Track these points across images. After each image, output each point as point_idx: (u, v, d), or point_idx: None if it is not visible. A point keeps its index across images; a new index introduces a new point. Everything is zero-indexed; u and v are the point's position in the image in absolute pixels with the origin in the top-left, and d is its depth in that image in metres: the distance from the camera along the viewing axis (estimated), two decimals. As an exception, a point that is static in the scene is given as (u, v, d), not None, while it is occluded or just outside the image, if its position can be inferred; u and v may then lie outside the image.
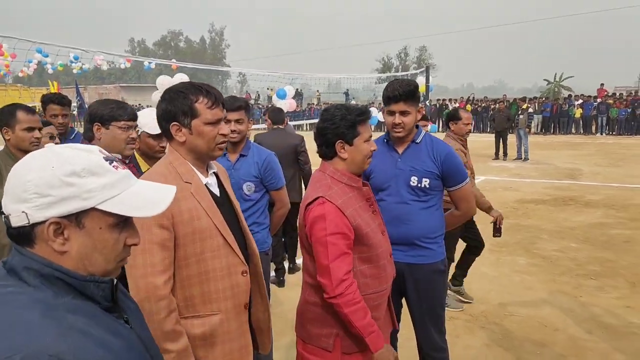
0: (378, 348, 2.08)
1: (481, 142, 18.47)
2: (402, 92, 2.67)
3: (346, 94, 39.35)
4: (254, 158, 3.28)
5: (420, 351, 2.95)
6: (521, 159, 15.04)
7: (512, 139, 15.94)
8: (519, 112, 15.44)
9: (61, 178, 0.99)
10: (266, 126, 5.98)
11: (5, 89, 41.90)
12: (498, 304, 4.75)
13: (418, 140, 2.79)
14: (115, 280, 1.12)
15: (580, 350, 3.87)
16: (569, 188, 10.60)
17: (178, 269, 1.82)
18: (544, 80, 56.83)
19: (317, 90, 43.18)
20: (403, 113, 2.68)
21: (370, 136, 2.21)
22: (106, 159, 1.06)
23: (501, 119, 15.28)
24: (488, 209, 4.33)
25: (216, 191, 1.96)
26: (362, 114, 2.18)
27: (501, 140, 15.35)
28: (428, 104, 13.98)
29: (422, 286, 2.81)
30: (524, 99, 19.90)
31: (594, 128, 24.02)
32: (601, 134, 23.34)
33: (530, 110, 16.57)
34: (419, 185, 2.72)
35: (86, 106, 11.92)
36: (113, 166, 1.06)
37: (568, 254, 6.21)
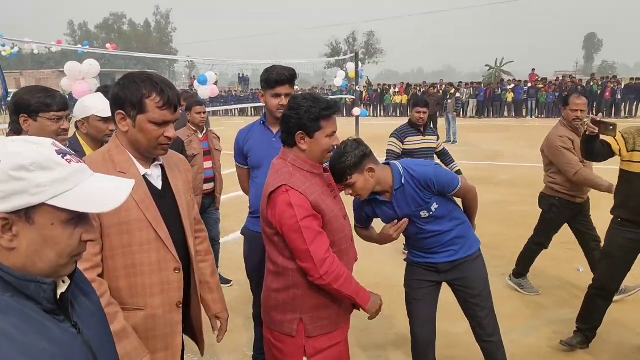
0: (368, 302, 2.18)
1: (416, 126, 19.09)
2: (288, 76, 2.91)
3: (292, 79, 39.40)
4: None
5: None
6: (450, 141, 15.70)
7: (442, 122, 16.61)
8: (448, 97, 16.05)
9: (8, 172, 0.94)
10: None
11: None
12: (388, 274, 5.16)
13: None
14: (69, 281, 1.09)
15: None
16: (485, 169, 11.24)
17: (104, 260, 1.78)
18: (486, 65, 58.56)
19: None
20: (288, 95, 2.90)
21: (334, 131, 2.20)
22: (59, 152, 1.01)
23: (431, 103, 15.83)
24: (609, 189, 4.01)
25: (157, 184, 1.89)
26: (328, 108, 2.15)
27: (432, 124, 15.92)
28: (358, 89, 14.30)
29: None
30: (451, 85, 20.64)
31: (525, 112, 25.18)
32: (531, 117, 24.53)
33: (458, 95, 17.20)
34: None
35: (9, 94, 11.44)
36: (66, 160, 1.01)
37: (465, 229, 6.70)
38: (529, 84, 25.58)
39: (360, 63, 13.26)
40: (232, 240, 6.31)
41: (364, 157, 2.44)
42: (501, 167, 11.49)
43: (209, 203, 4.94)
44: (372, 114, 29.53)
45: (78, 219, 1.04)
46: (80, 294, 1.16)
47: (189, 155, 4.74)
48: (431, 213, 2.64)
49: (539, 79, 27.04)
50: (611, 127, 3.24)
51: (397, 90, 28.67)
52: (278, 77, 2.89)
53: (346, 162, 2.38)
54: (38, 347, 0.95)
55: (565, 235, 6.34)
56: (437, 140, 5.67)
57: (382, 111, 29.41)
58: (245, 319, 4.10)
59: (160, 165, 1.91)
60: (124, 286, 1.79)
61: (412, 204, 2.62)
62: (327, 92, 28.31)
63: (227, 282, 5.14)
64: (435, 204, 2.64)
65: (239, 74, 41.05)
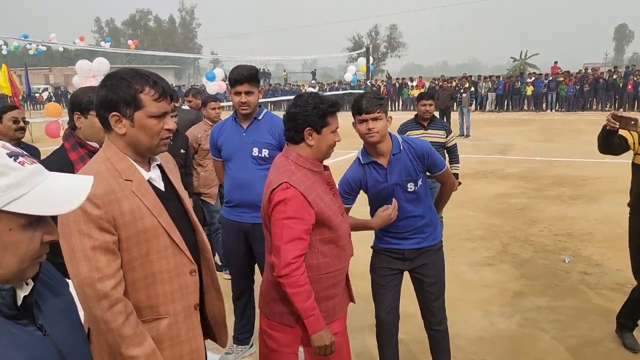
0: (316, 331, 2.17)
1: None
2: (246, 75, 3.14)
3: (313, 73, 39.66)
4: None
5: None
6: (463, 135, 15.70)
7: (456, 116, 16.62)
8: (462, 91, 16.04)
9: None
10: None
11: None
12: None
13: (260, 118, 3.28)
14: (32, 283, 1.06)
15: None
16: (493, 162, 11.28)
17: (123, 274, 1.70)
18: (511, 57, 57.69)
19: (284, 71, 43.35)
20: (247, 93, 3.15)
21: (337, 127, 2.30)
22: (10, 155, 0.97)
23: (445, 97, 15.89)
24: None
25: (161, 185, 1.82)
26: (333, 105, 2.26)
27: (445, 118, 15.96)
28: (368, 83, 14.42)
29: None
30: (466, 78, 20.55)
31: (544, 105, 24.87)
32: (550, 110, 24.21)
33: (473, 89, 17.15)
34: (260, 155, 3.23)
35: (32, 92, 11.77)
36: (19, 162, 0.97)
37: (462, 221, 6.84)
38: (549, 77, 25.20)
39: (371, 58, 13.36)
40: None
41: (387, 105, 2.76)
42: (510, 160, 11.51)
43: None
44: (390, 108, 29.53)
45: (37, 221, 1.00)
46: (48, 292, 1.13)
47: (205, 149, 4.92)
48: (415, 188, 2.80)
49: (561, 72, 26.64)
50: (632, 122, 3.20)
51: (415, 84, 28.61)
52: (237, 77, 3.12)
53: (382, 100, 2.75)
54: (6, 355, 0.93)
55: (556, 227, 6.47)
56: (447, 135, 5.51)
57: (401, 105, 29.39)
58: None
59: (158, 165, 1.86)
60: (143, 297, 1.72)
61: (403, 172, 2.77)
62: (346, 87, 28.33)
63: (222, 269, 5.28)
64: (420, 180, 2.81)
65: (260, 68, 41.42)
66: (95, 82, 6.53)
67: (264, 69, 41.34)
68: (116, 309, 1.59)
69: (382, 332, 3.08)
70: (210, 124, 5.04)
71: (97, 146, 2.36)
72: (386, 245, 2.99)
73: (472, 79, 25.38)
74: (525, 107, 25.11)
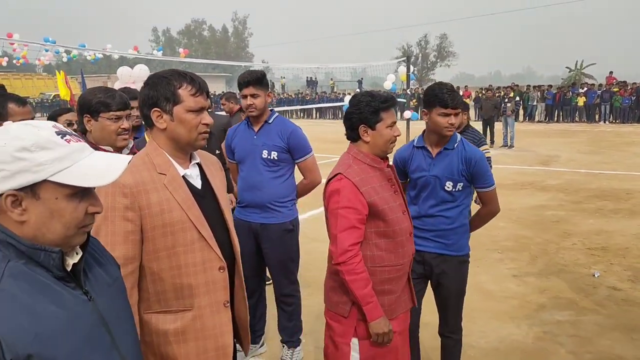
0: (374, 318, 2.22)
1: (475, 130, 18.83)
2: (250, 79, 3.27)
3: (359, 82, 39.73)
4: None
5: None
6: (507, 146, 15.35)
7: (499, 126, 16.28)
8: (506, 100, 15.71)
9: (12, 154, 1.05)
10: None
11: (31, 78, 43.68)
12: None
13: (270, 121, 3.39)
14: (81, 252, 1.19)
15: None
16: (534, 173, 10.99)
17: (148, 263, 1.77)
18: (566, 67, 55.83)
19: (331, 79, 43.63)
20: (253, 96, 3.27)
21: (394, 122, 2.33)
22: (58, 133, 1.11)
23: (488, 106, 15.60)
24: None
25: (197, 183, 1.88)
26: (386, 101, 2.30)
27: (488, 128, 15.67)
28: (409, 92, 14.34)
29: (275, 243, 3.43)
30: (511, 87, 20.07)
31: (597, 116, 23.95)
32: (604, 122, 23.29)
33: (518, 99, 16.78)
34: (269, 157, 3.33)
35: None
36: (65, 140, 1.11)
37: (491, 232, 6.70)
38: (603, 88, 24.25)
39: (412, 67, 13.32)
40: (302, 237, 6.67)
41: None
42: (552, 172, 11.17)
43: None
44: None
45: (82, 193, 1.13)
46: (95, 265, 1.25)
47: None
48: (453, 189, 2.74)
49: (616, 82, 25.61)
50: None
51: (460, 94, 28.15)
52: (242, 80, 3.26)
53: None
54: (44, 308, 1.05)
55: (591, 240, 6.25)
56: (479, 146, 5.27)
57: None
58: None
59: (198, 164, 1.92)
60: (170, 288, 1.78)
61: (447, 168, 2.73)
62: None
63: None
64: (461, 183, 2.75)
65: (307, 77, 41.92)
66: (135, 87, 6.85)
67: (311, 78, 41.83)
68: None
69: None
70: None
71: (110, 149, 2.40)
72: None
73: (521, 88, 24.81)
74: (577, 119, 24.27)
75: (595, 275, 5.14)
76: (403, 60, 13.63)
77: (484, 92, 23.69)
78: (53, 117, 3.74)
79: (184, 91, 1.78)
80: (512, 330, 4.06)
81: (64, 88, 12.78)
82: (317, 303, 4.70)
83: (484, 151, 5.35)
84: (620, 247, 6.00)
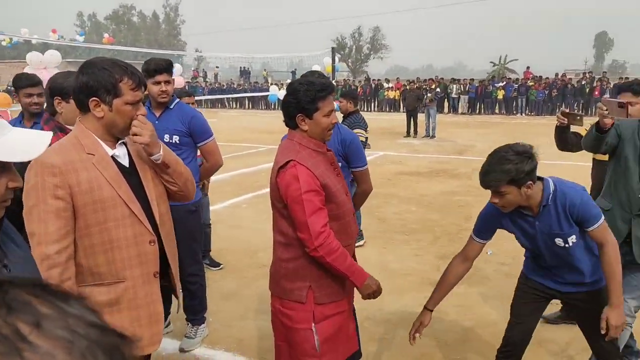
0: (362, 282, 2.29)
1: (399, 121, 19.54)
2: (165, 65, 3.39)
3: (293, 73, 39.88)
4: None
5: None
6: (429, 136, 16.06)
7: (422, 117, 16.99)
8: (428, 92, 16.41)
9: None
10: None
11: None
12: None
13: (172, 107, 3.52)
14: None
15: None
16: (449, 162, 11.64)
17: (81, 238, 1.85)
18: (490, 62, 58.53)
19: (265, 70, 43.54)
20: (166, 82, 3.39)
21: (332, 110, 2.31)
22: None
23: (411, 98, 16.25)
24: None
25: (125, 162, 1.98)
26: (323, 89, 2.28)
27: (412, 119, 16.32)
28: (334, 83, 14.70)
29: (178, 223, 3.53)
30: (432, 80, 21.03)
31: (515, 109, 25.42)
32: (521, 114, 24.77)
33: (438, 90, 17.57)
34: (171, 141, 3.45)
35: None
36: None
37: (401, 216, 7.15)
38: (519, 82, 25.75)
39: (337, 58, 13.67)
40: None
41: (530, 172, 2.29)
42: (466, 160, 11.87)
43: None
44: (366, 109, 29.88)
45: (2, 168, 1.15)
46: (10, 242, 1.28)
47: None
48: (568, 245, 2.44)
49: (532, 77, 27.22)
50: (578, 117, 3.30)
51: (391, 86, 28.98)
52: (156, 67, 3.36)
53: (508, 170, 2.26)
54: None
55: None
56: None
57: (377, 106, 29.75)
58: (246, 310, 4.37)
59: (124, 143, 2.00)
60: (102, 262, 1.88)
61: (554, 224, 2.43)
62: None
63: (217, 265, 5.33)
64: (574, 236, 2.43)
65: (240, 67, 41.58)
66: (47, 73, 6.69)
67: (244, 68, 41.53)
68: (53, 272, 1.77)
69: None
70: None
71: None
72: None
73: (446, 81, 25.88)
74: (497, 111, 25.65)
75: (488, 253, 5.63)
76: (337, 51, 13.94)
77: (407, 84, 24.60)
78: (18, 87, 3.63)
79: (125, 85, 1.86)
80: (406, 302, 4.43)
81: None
82: (227, 286, 4.90)
83: (358, 134, 5.76)
84: (513, 228, 6.56)
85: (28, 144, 1.17)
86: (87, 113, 1.89)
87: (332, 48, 13.63)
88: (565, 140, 3.54)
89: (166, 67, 3.37)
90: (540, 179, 2.42)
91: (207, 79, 40.71)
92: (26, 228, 1.80)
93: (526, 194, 2.33)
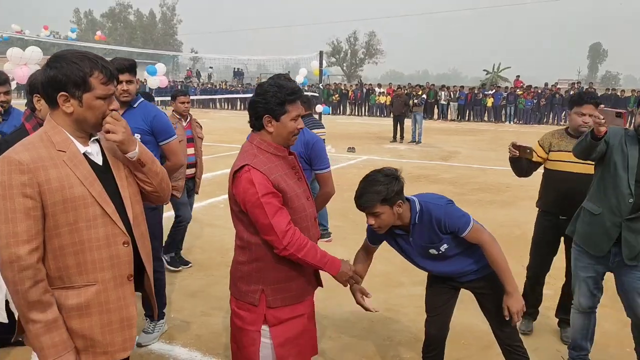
0: (336, 271, 2.33)
1: (388, 126, 19.68)
2: (127, 65, 3.46)
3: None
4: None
5: None
6: (415, 142, 16.19)
7: (409, 123, 17.12)
8: (414, 98, 16.56)
9: None
10: None
11: None
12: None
13: (135, 105, 3.59)
14: None
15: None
16: (432, 167, 11.75)
17: (49, 239, 1.77)
18: (483, 70, 58.88)
19: (260, 74, 43.65)
20: (128, 82, 3.47)
21: (299, 115, 2.32)
22: None
23: (398, 104, 16.37)
24: None
25: (98, 160, 1.90)
26: (293, 93, 2.27)
27: (399, 124, 16.45)
28: (321, 87, 14.80)
29: None
30: (419, 86, 21.25)
31: (504, 117, 25.66)
32: (509, 122, 24.99)
33: (424, 96, 17.73)
34: None
35: None
36: None
37: (376, 219, 7.22)
38: (508, 90, 25.99)
39: (324, 62, 13.76)
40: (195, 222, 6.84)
41: (399, 192, 2.54)
42: (448, 167, 11.99)
43: (192, 186, 5.41)
44: (356, 113, 30.04)
45: None
46: None
47: None
48: (441, 251, 2.71)
49: (522, 86, 27.47)
50: (528, 151, 3.59)
51: (382, 90, 29.15)
52: (119, 66, 3.42)
53: (379, 191, 2.50)
54: None
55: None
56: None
57: (367, 111, 29.91)
58: (210, 307, 4.43)
59: (97, 140, 1.92)
60: (72, 264, 1.79)
61: (425, 238, 2.67)
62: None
63: (187, 263, 5.38)
64: (445, 245, 2.68)
65: (234, 68, 41.64)
66: (27, 69, 6.75)
67: (238, 69, 41.60)
68: (25, 274, 1.68)
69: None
70: (178, 117, 5.26)
71: None
72: None
73: (435, 88, 26.08)
74: (486, 118, 25.86)
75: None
76: (332, 55, 13.96)
77: (394, 90, 24.79)
78: None
79: (95, 79, 1.78)
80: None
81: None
82: (194, 283, 4.96)
83: (320, 133, 5.89)
84: (484, 233, 6.67)
85: None
86: (56, 108, 1.80)
87: (320, 52, 13.66)
88: (520, 168, 3.86)
89: (129, 67, 3.44)
90: (408, 199, 2.66)
91: (200, 79, 40.72)
92: None
93: (398, 213, 2.58)
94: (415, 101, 15.92)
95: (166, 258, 5.19)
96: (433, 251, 2.71)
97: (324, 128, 5.82)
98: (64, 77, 1.74)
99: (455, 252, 2.73)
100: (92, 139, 1.90)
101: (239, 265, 2.38)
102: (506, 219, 7.38)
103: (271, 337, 2.33)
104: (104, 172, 1.88)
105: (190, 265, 5.40)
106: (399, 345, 3.87)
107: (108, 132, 1.85)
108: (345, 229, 6.74)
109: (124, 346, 1.93)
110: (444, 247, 2.68)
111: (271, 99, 2.24)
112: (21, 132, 2.45)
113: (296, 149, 3.16)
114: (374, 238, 2.88)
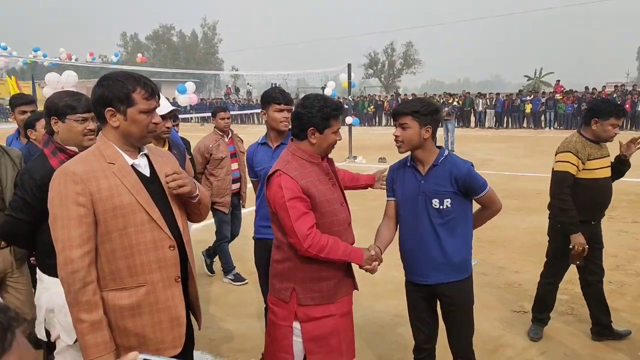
0: (361, 258, 2.47)
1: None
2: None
3: (322, 88, 40.30)
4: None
5: None
6: (448, 150, 16.03)
7: (441, 131, 17.00)
8: (446, 106, 16.47)
9: None
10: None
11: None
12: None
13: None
14: None
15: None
16: (461, 176, 11.66)
17: (102, 244, 1.91)
18: (524, 76, 57.68)
19: (297, 89, 44.27)
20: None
21: (339, 128, 2.50)
22: None
23: (429, 112, 16.31)
24: None
25: (145, 171, 2.05)
26: (338, 109, 2.45)
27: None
28: (350, 99, 14.91)
29: None
30: (449, 94, 21.12)
31: (543, 123, 25.06)
32: (549, 128, 24.39)
33: (455, 103, 17.60)
34: None
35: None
36: None
37: (398, 227, 7.27)
38: (557, 95, 25.27)
39: (352, 74, 13.93)
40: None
41: (434, 114, 2.65)
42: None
43: (237, 201, 5.45)
44: (392, 124, 29.95)
45: None
46: None
47: (217, 159, 5.13)
48: (442, 207, 2.69)
49: (564, 91, 26.80)
50: (578, 263, 3.66)
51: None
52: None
53: (415, 105, 2.64)
54: None
55: (484, 234, 6.82)
56: None
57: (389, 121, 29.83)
58: (225, 314, 4.59)
59: (146, 155, 2.08)
60: (123, 267, 1.93)
61: (437, 183, 2.70)
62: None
63: (242, 279, 5.38)
64: (450, 200, 2.69)
65: (272, 83, 42.40)
66: (63, 93, 7.20)
67: (276, 84, 42.33)
68: (77, 276, 1.83)
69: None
70: (220, 134, 5.27)
71: (77, 150, 2.50)
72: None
73: (470, 95, 25.79)
74: (525, 125, 25.33)
75: (473, 263, 5.70)
76: (369, 67, 14.08)
77: (438, 98, 24.64)
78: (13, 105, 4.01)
79: (138, 95, 1.94)
80: (379, 307, 4.60)
81: (14, 92, 13.01)
82: (213, 291, 5.16)
83: None
84: (505, 240, 6.63)
85: None
86: (105, 124, 1.98)
87: (348, 64, 13.82)
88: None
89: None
90: (439, 147, 2.77)
91: (239, 95, 41.64)
92: (52, 234, 1.90)
93: (423, 137, 2.64)
94: (446, 109, 15.85)
95: (230, 277, 5.36)
96: (436, 202, 2.69)
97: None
98: (110, 94, 1.93)
99: (452, 216, 2.71)
100: (141, 153, 2.07)
101: (274, 263, 2.53)
102: (530, 225, 7.28)
103: (301, 332, 2.44)
104: (151, 183, 2.05)
105: (245, 281, 5.39)
106: (405, 350, 3.93)
107: (179, 187, 2.05)
108: (368, 237, 6.74)
109: (174, 344, 2.07)
110: (447, 202, 2.69)
111: (317, 113, 2.39)
112: (40, 159, 2.52)
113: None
114: (390, 189, 2.92)
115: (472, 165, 2.78)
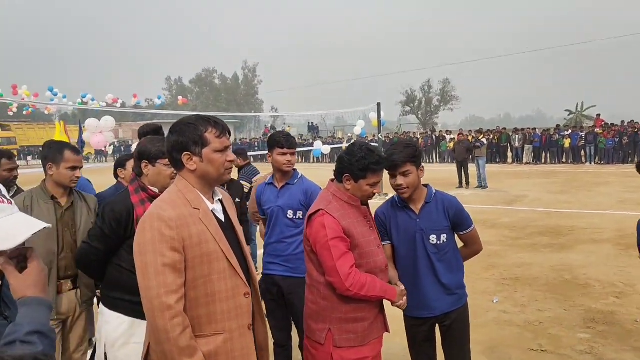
0: (394, 295, 2.51)
1: (456, 172, 19.48)
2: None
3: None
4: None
5: None
6: (481, 187, 15.91)
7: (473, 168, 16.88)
8: (476, 143, 16.39)
9: None
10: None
11: (44, 128, 45.63)
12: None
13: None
14: None
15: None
16: (492, 212, 11.52)
17: (187, 291, 1.89)
18: (566, 110, 56.63)
19: (334, 127, 44.90)
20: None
21: (378, 182, 2.50)
22: None
23: (461, 149, 16.27)
24: None
25: (221, 217, 2.07)
26: (378, 163, 2.46)
27: (463, 169, 16.30)
28: (381, 137, 15.08)
29: None
30: (479, 132, 21.00)
31: (584, 158, 24.49)
32: (590, 163, 23.79)
33: (485, 140, 17.45)
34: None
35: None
36: None
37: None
38: (597, 129, 24.69)
39: (382, 112, 14.13)
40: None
41: (420, 156, 2.82)
42: (510, 210, 11.70)
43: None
44: (427, 160, 29.92)
45: None
46: (10, 305, 1.42)
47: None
48: (439, 243, 2.81)
49: (605, 125, 26.21)
50: None
51: (453, 137, 28.95)
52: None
53: (410, 150, 2.74)
54: None
55: (509, 272, 6.75)
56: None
57: (438, 157, 29.72)
58: None
59: (220, 200, 2.11)
60: (204, 314, 1.92)
61: (433, 219, 2.81)
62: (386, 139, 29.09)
63: None
64: (446, 235, 2.82)
65: (309, 122, 43.22)
66: (102, 137, 7.66)
67: (312, 123, 43.09)
68: (176, 321, 1.81)
69: None
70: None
71: (158, 191, 2.65)
72: None
73: (506, 131, 25.54)
74: (564, 160, 24.81)
75: (494, 301, 5.66)
76: (406, 104, 14.20)
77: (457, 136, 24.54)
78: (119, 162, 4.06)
79: (210, 134, 1.97)
80: (390, 345, 4.60)
81: (61, 137, 13.81)
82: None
83: (244, 185, 6.01)
84: (531, 277, 6.52)
85: (11, 231, 1.26)
86: (182, 169, 1.99)
87: (378, 103, 14.03)
88: None
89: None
90: (425, 185, 2.91)
91: (277, 134, 42.35)
92: (140, 284, 1.86)
93: (419, 178, 2.79)
94: (477, 144, 15.78)
95: None
96: (433, 238, 2.79)
97: (259, 173, 6.18)
98: (184, 138, 1.97)
99: (447, 250, 2.83)
100: (217, 198, 2.09)
101: (309, 303, 2.55)
102: (558, 263, 7.14)
103: None
104: (227, 229, 2.06)
105: None
106: None
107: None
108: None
109: None
110: (444, 236, 2.80)
111: (356, 163, 2.44)
112: (124, 194, 2.72)
113: (297, 197, 3.48)
114: (382, 233, 2.89)
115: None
